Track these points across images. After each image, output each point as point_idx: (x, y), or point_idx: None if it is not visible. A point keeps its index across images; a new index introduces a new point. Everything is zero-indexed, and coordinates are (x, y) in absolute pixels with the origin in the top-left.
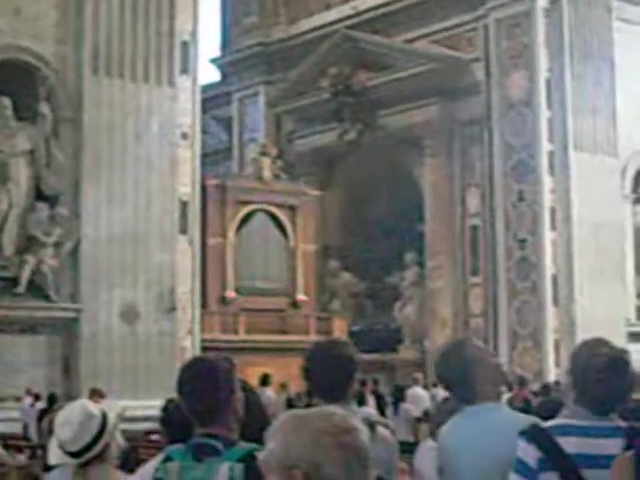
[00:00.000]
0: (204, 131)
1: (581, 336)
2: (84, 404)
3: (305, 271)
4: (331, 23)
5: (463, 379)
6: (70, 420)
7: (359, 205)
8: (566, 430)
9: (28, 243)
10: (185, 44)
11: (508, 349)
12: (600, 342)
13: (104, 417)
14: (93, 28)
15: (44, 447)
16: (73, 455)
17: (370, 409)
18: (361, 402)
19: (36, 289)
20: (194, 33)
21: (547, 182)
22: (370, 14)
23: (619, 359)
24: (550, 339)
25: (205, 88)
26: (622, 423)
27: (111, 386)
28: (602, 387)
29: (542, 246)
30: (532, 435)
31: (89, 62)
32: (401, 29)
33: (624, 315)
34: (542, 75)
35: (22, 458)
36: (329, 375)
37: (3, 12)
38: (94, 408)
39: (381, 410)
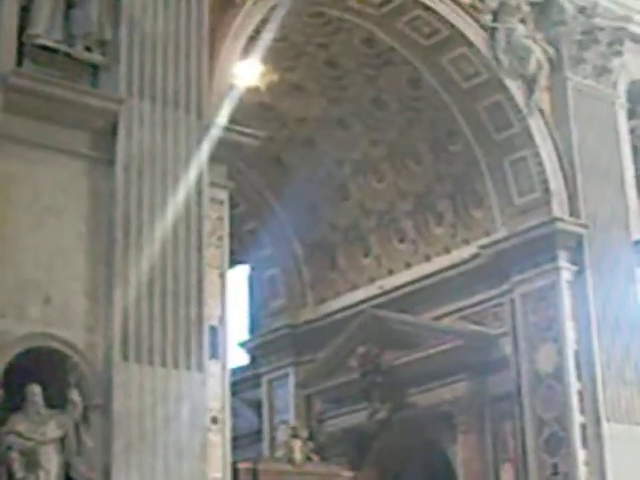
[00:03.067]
0: (234, 414)
1: None
2: None
3: None
4: (358, 303)
5: None
6: None
7: None
8: None
9: None
10: (214, 329)
11: None
12: None
13: None
14: (123, 314)
15: None
16: None
17: None
18: None
19: None
20: (223, 318)
21: (581, 455)
22: (397, 293)
23: None
24: None
25: (234, 371)
26: None
27: None
28: None
29: None
30: None
31: (119, 348)
32: (428, 307)
33: None
34: (570, 347)
35: None
36: None
37: (34, 300)
38: None
39: None
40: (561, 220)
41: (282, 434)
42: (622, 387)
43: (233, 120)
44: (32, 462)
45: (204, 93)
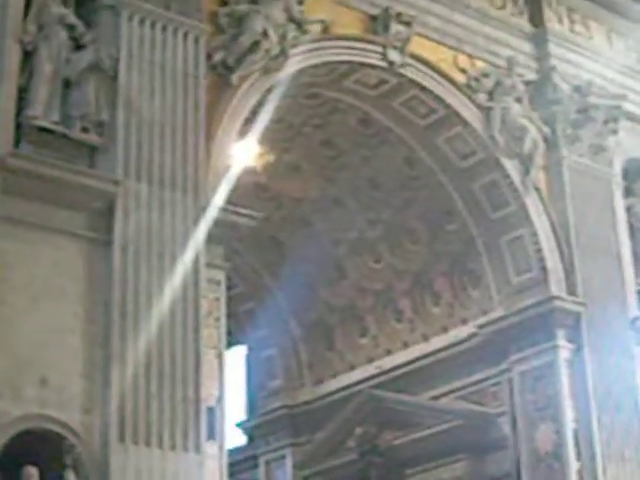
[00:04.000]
0: None
1: None
2: None
3: None
4: (356, 383)
5: None
6: None
7: None
8: None
9: None
10: (211, 410)
11: None
12: None
13: None
14: (119, 395)
15: None
16: None
17: None
18: None
19: None
20: (220, 398)
21: None
22: (394, 373)
23: None
24: None
25: (231, 452)
26: None
27: None
28: None
29: None
30: None
31: (116, 430)
32: (426, 386)
33: None
34: (569, 426)
35: None
36: None
37: (30, 381)
38: None
39: None
40: (558, 298)
41: None
42: (622, 466)
43: (230, 201)
44: None
45: (201, 174)
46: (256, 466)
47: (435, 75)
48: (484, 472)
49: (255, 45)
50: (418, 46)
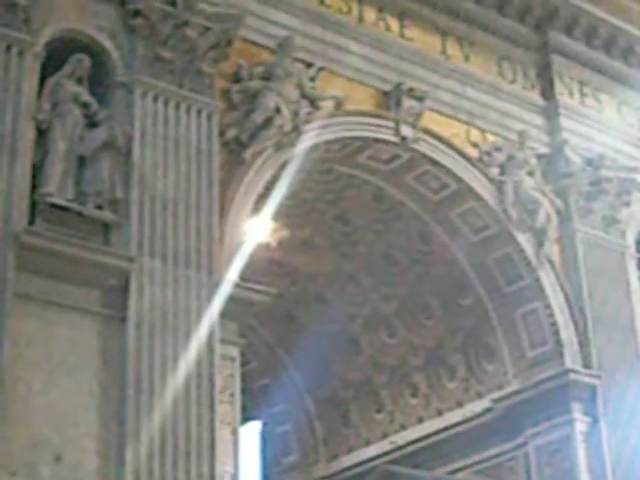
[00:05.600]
0: None
1: None
2: None
3: None
4: (371, 459)
5: None
6: None
7: None
8: None
9: None
10: None
11: None
12: None
13: None
14: (134, 473)
15: None
16: None
17: None
18: None
19: None
20: (235, 475)
21: None
22: (410, 448)
23: None
24: None
25: None
26: None
27: None
28: None
29: None
30: None
31: None
32: (442, 462)
33: None
34: None
35: None
36: None
37: (45, 459)
38: None
39: None
40: (574, 371)
41: None
42: None
43: (244, 277)
44: None
45: (215, 250)
46: None
47: (447, 150)
48: None
49: (268, 121)
50: (430, 121)
